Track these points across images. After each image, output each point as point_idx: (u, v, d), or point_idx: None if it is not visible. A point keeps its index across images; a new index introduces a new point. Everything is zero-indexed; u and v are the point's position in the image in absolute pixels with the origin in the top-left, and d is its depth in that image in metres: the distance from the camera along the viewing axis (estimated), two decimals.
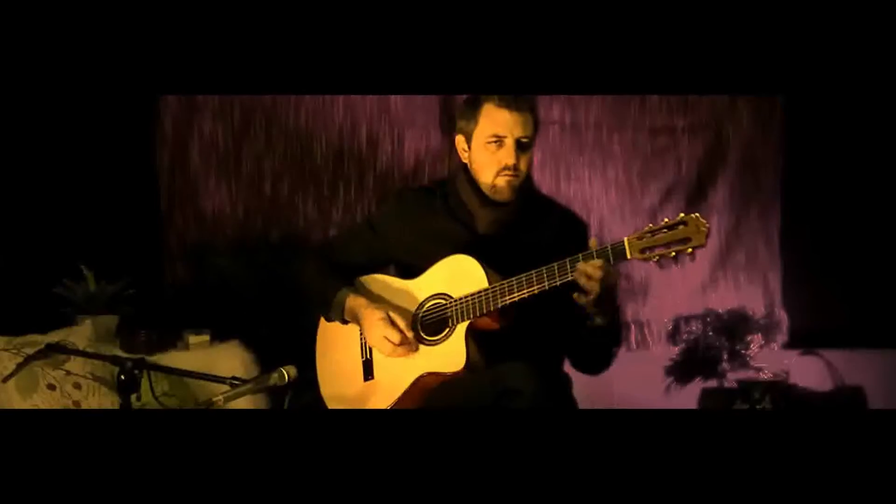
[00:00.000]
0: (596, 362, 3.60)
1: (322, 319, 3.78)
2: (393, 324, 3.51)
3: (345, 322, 3.67)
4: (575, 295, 3.30)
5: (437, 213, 3.65)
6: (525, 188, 3.61)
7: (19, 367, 3.66)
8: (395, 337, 3.50)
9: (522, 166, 3.53)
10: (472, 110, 3.55)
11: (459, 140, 3.62)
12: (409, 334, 3.51)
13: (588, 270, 3.26)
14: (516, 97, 3.50)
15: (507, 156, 3.50)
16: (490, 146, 3.51)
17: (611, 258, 3.27)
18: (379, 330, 3.51)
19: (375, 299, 3.63)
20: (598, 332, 3.44)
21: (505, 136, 3.49)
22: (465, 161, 3.61)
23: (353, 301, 3.62)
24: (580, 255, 3.29)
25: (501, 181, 3.53)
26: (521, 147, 3.52)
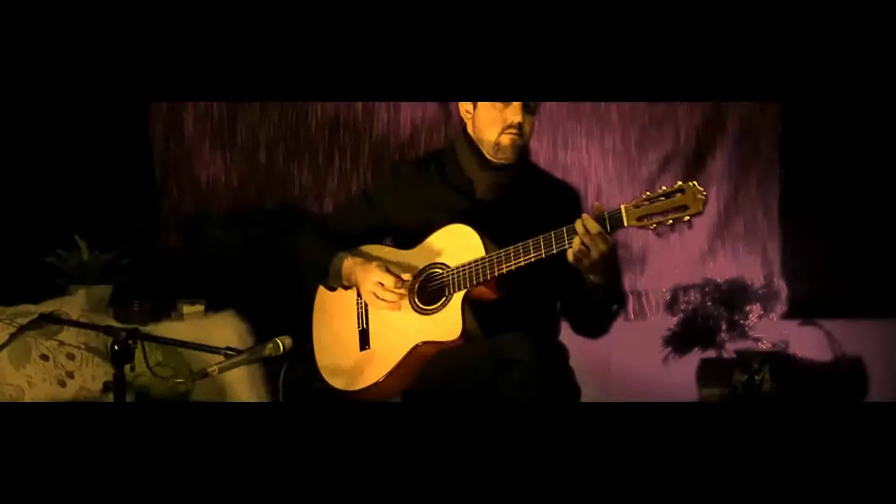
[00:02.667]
0: (595, 323, 3.60)
1: (319, 289, 3.77)
2: (388, 270, 3.51)
3: (346, 287, 3.66)
4: (570, 257, 3.28)
5: (433, 183, 3.65)
6: (524, 156, 3.62)
7: (12, 337, 3.67)
8: (389, 280, 3.49)
9: (526, 128, 3.53)
10: None
11: (462, 103, 3.63)
12: (405, 276, 3.51)
13: (588, 225, 3.24)
14: None
15: (514, 114, 3.50)
16: (497, 104, 3.51)
17: (608, 226, 3.26)
18: (373, 276, 3.52)
19: (373, 259, 3.61)
20: (596, 290, 3.42)
21: None
22: (467, 121, 3.62)
23: (350, 261, 3.62)
24: (576, 223, 3.27)
25: (506, 139, 3.51)
26: (527, 109, 3.52)
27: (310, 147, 5.45)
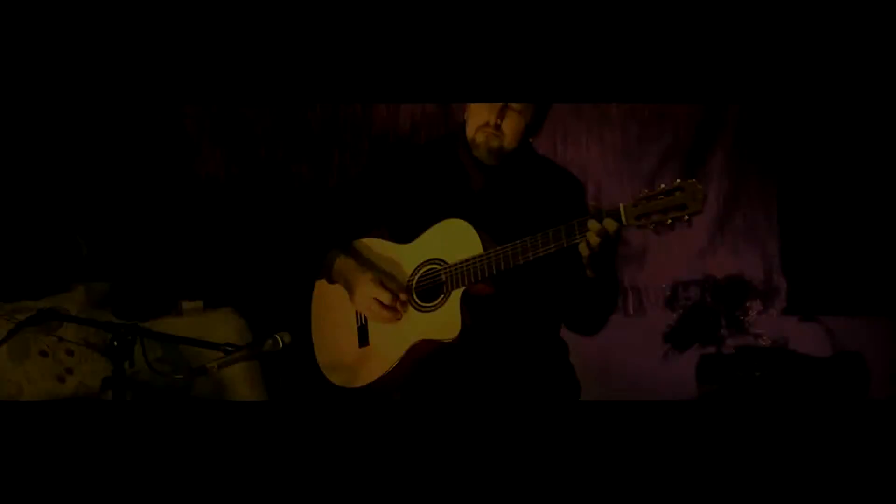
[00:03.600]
0: (591, 319, 3.50)
1: (317, 285, 3.74)
2: (383, 285, 3.47)
3: (331, 281, 3.63)
4: (580, 246, 3.21)
5: (432, 172, 3.61)
6: (520, 155, 3.56)
7: (11, 333, 3.62)
8: (386, 297, 3.45)
9: (507, 130, 3.45)
10: None
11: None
12: (402, 296, 3.48)
13: (607, 227, 3.18)
14: None
15: (490, 112, 3.44)
16: (482, 106, 3.47)
17: None
18: (368, 290, 3.48)
19: (366, 264, 3.59)
20: (592, 286, 3.35)
21: None
22: (466, 118, 3.57)
23: (343, 262, 3.59)
24: (575, 221, 3.22)
25: (480, 137, 3.46)
26: (509, 110, 3.44)
27: (309, 144, 5.42)
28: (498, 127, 3.45)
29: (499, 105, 3.43)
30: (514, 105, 3.44)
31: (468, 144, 3.52)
